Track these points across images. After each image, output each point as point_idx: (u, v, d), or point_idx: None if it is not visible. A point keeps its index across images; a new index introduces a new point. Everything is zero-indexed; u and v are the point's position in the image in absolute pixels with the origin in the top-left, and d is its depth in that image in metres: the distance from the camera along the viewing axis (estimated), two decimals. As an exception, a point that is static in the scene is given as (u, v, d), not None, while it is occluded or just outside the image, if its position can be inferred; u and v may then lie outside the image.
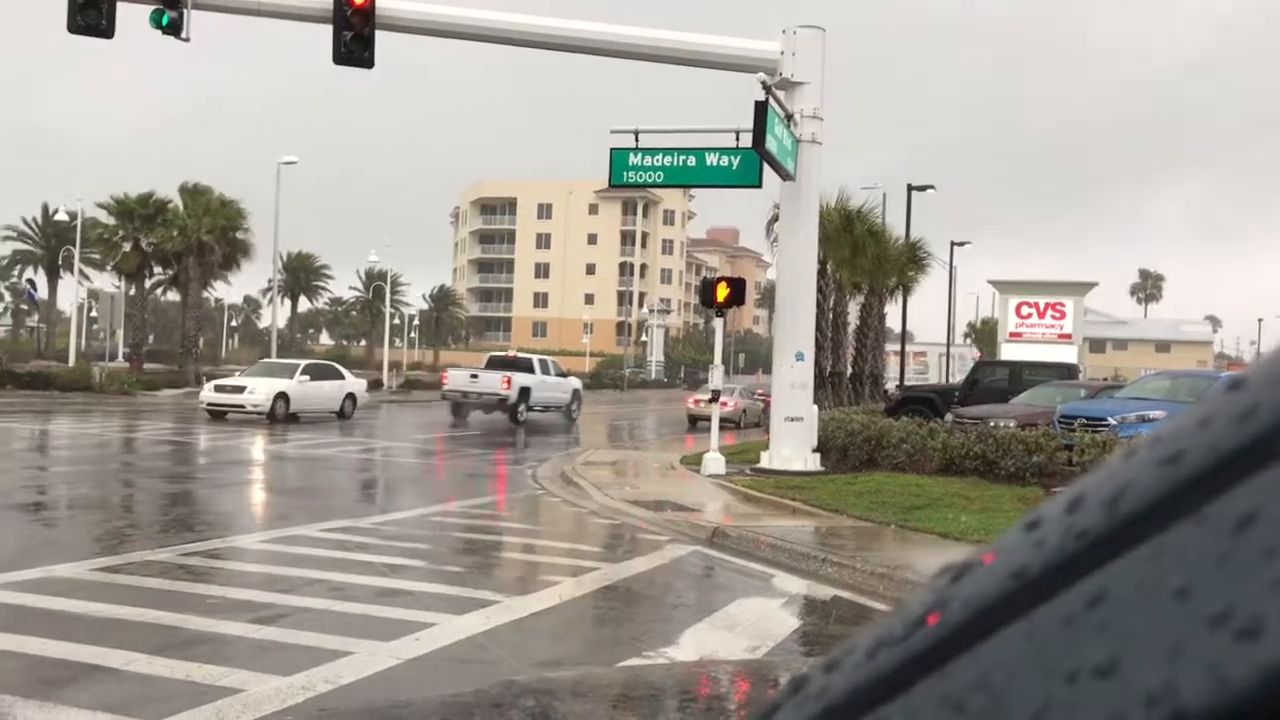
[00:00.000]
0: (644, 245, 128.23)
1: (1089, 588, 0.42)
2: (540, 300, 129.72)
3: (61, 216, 58.24)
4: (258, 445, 22.88)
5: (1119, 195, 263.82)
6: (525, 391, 33.81)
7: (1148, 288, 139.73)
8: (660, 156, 18.95)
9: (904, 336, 48.16)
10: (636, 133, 18.82)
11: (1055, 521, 0.46)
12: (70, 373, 40.70)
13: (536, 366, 36.16)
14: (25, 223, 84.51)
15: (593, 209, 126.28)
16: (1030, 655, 0.42)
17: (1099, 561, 0.42)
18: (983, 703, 0.43)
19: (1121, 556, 0.42)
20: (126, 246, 48.02)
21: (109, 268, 51.64)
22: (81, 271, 58.50)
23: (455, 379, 34.89)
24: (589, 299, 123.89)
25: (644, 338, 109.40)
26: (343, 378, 33.03)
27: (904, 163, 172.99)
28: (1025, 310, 44.13)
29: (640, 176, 19.25)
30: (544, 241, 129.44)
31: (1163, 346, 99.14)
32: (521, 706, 1.68)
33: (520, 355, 37.54)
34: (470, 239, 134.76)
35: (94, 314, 57.31)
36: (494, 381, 33.55)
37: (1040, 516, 0.48)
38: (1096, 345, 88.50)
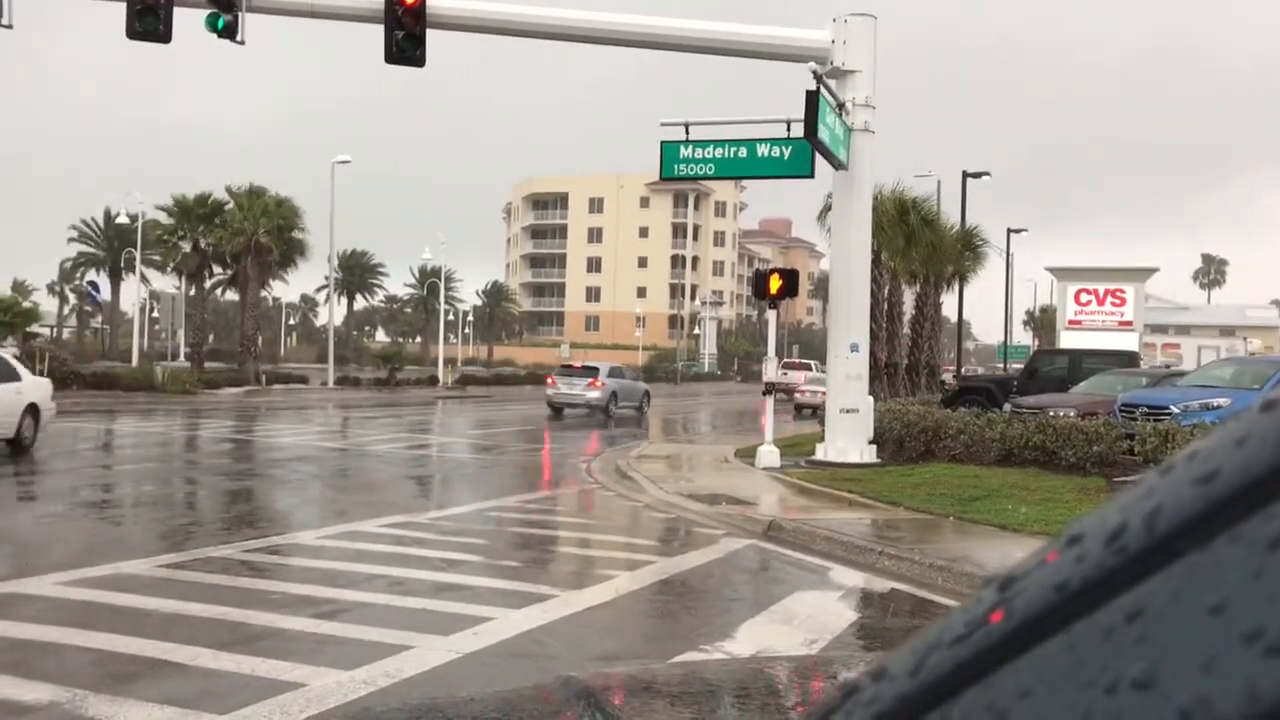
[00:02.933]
0: (695, 238, 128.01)
1: (1128, 602, 0.43)
2: (593, 294, 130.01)
3: (123, 219, 59.38)
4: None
5: (1184, 181, 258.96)
6: None
7: (1211, 273, 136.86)
8: (711, 148, 18.90)
9: (960, 325, 47.64)
10: (687, 125, 18.80)
11: (1096, 537, 0.47)
12: (133, 372, 41.49)
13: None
14: (87, 225, 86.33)
15: (644, 202, 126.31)
16: (1071, 667, 0.43)
17: (1137, 577, 0.44)
18: (1026, 712, 0.44)
19: (1159, 572, 0.43)
20: (186, 247, 48.82)
21: (169, 269, 52.54)
22: (143, 273, 59.58)
23: (790, 376, 51.56)
24: (641, 292, 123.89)
25: (696, 330, 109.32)
26: (18, 379, 19.35)
27: (960, 150, 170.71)
28: (1084, 297, 43.42)
29: (691, 169, 19.21)
30: (595, 235, 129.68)
31: (1227, 332, 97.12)
32: (579, 702, 1.71)
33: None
34: (522, 234, 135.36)
35: (155, 314, 58.39)
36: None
37: (1082, 531, 0.49)
38: (1158, 332, 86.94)
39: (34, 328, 42.96)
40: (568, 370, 37.91)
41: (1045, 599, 0.47)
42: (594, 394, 35.47)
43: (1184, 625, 0.41)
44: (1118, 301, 42.98)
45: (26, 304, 42.13)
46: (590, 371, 36.82)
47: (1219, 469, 0.44)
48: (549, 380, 37.85)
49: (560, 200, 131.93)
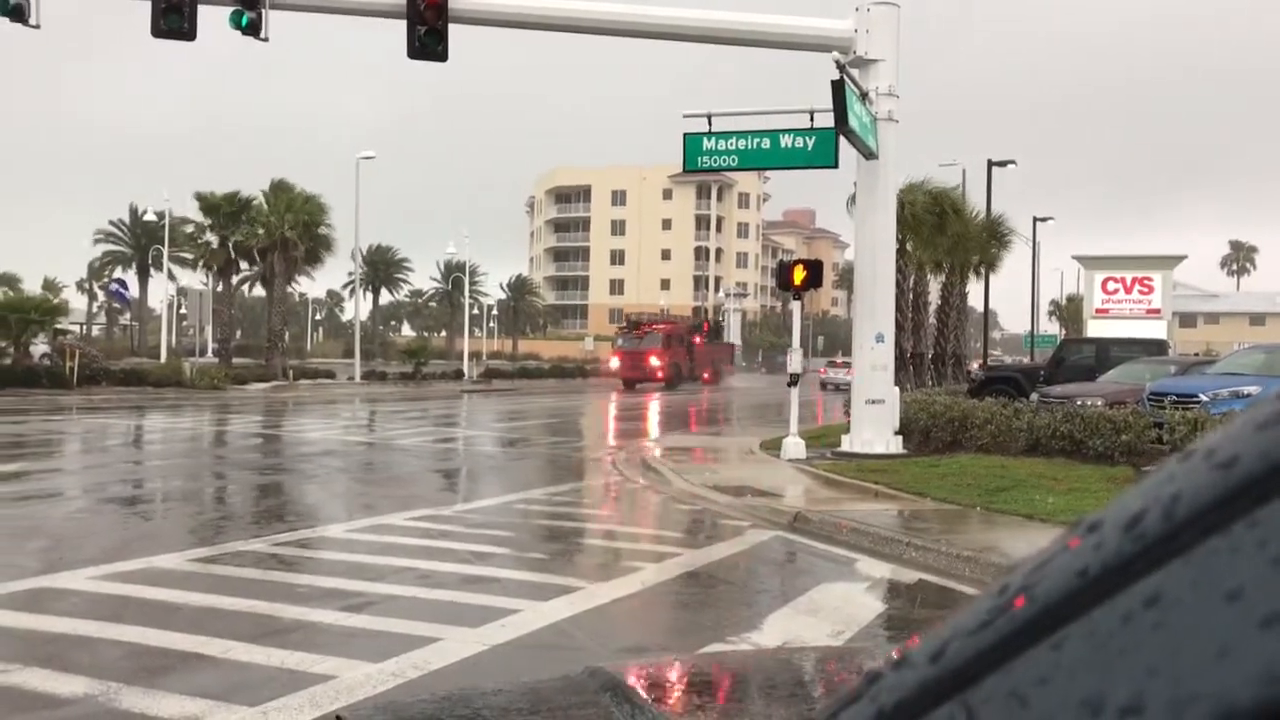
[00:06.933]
0: (719, 229, 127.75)
1: (1146, 588, 0.44)
2: (616, 287, 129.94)
3: (150, 217, 59.82)
4: (342, 436, 23.29)
5: (1210, 165, 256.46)
6: None
7: (1240, 260, 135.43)
8: (734, 140, 18.84)
9: (986, 315, 47.40)
10: (709, 116, 18.74)
11: (1115, 524, 0.48)
12: (162, 369, 41.81)
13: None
14: (114, 224, 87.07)
15: (667, 194, 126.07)
16: (1091, 653, 0.44)
17: (1156, 563, 0.44)
18: (1046, 698, 0.45)
19: (1177, 558, 0.43)
20: (214, 244, 49.08)
21: (198, 266, 52.86)
22: (170, 270, 60.00)
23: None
24: (665, 284, 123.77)
25: (721, 322, 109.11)
26: None
27: (985, 139, 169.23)
28: (1112, 286, 43.09)
29: (714, 161, 19.15)
30: (619, 228, 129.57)
31: (1257, 319, 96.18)
32: (606, 693, 1.71)
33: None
34: (546, 228, 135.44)
35: (183, 311, 58.81)
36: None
37: (1101, 519, 0.49)
38: (1187, 320, 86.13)
39: (64, 325, 43.33)
40: (833, 364, 59.16)
41: (1065, 586, 0.47)
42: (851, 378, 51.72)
43: (1201, 610, 0.41)
44: (1145, 289, 42.63)
45: (55, 300, 42.50)
46: (848, 365, 51.96)
47: (1238, 454, 0.44)
48: (821, 371, 59.72)
49: (583, 193, 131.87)
